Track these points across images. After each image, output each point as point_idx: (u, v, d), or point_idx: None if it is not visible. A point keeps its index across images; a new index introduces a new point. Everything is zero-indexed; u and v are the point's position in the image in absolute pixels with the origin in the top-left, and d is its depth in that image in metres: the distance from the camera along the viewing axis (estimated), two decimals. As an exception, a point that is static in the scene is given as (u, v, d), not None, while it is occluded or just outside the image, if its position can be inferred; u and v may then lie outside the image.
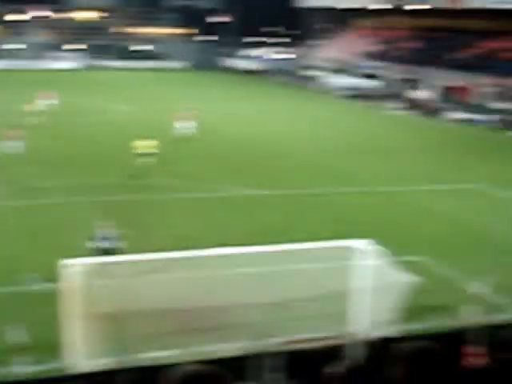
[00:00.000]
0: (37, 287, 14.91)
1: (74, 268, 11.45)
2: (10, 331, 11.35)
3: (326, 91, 64.42)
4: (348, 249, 12.56)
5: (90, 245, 15.46)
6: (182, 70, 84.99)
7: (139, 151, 28.59)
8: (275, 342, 10.34)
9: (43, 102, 42.24)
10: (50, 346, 12.27)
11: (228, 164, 30.84)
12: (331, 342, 11.07)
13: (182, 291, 12.68)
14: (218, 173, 28.76)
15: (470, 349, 9.19)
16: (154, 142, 28.77)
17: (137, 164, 27.81)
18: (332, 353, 9.96)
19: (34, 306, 14.05)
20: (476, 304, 13.26)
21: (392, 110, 54.13)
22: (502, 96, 49.79)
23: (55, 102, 43.34)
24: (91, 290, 12.98)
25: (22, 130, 31.14)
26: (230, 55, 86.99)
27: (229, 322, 12.52)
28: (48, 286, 14.73)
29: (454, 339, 9.93)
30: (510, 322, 12.28)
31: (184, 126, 35.41)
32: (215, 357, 11.21)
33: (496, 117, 47.42)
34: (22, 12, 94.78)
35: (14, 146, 29.24)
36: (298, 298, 12.90)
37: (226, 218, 22.18)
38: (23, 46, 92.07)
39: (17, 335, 10.98)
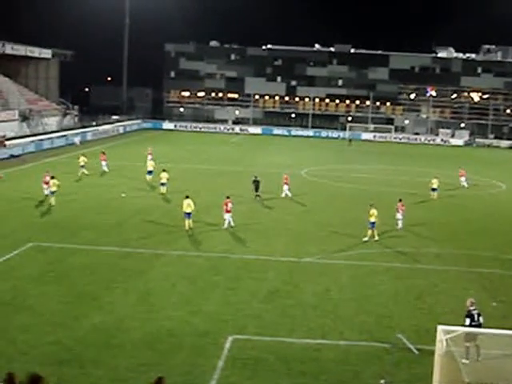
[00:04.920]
0: (405, 347, 14.23)
1: (445, 334, 10.68)
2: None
3: None
4: None
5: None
6: None
7: None
8: None
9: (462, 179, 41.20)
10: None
11: None
12: None
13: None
14: None
15: None
16: None
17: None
18: None
19: (401, 364, 13.41)
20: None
21: None
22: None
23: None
24: (456, 358, 12.02)
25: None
26: None
27: None
28: (416, 347, 14.04)
29: None
30: None
31: None
32: None
33: None
34: (418, 91, 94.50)
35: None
36: None
37: None
38: (409, 122, 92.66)
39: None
